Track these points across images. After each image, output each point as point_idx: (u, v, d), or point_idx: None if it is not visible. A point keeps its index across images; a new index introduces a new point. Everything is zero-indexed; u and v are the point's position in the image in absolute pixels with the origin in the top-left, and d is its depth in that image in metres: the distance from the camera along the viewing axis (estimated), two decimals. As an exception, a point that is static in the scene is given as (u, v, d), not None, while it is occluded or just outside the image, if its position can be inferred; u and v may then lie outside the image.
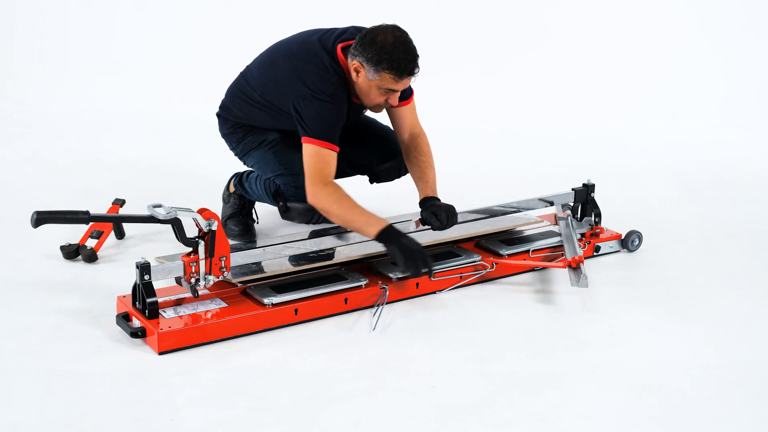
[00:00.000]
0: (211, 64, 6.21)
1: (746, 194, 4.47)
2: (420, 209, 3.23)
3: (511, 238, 3.45)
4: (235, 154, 3.55)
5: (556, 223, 3.64)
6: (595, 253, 3.50)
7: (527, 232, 3.53)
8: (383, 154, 3.54)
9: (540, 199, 3.61)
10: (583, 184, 3.57)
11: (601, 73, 6.13)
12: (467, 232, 3.38)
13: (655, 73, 6.11)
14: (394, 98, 3.13)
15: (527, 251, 3.34)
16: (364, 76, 3.08)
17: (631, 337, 2.86)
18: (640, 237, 3.57)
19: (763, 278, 3.38)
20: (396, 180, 3.63)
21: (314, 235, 3.32)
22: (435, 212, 3.14)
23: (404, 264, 2.94)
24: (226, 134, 3.54)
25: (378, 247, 3.16)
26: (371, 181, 3.65)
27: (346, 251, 3.18)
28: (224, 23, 6.34)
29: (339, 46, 3.15)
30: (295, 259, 3.11)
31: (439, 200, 3.22)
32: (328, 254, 3.16)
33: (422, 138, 3.37)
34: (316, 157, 3.07)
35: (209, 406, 2.39)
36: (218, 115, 3.54)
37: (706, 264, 3.50)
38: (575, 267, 3.13)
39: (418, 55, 3.05)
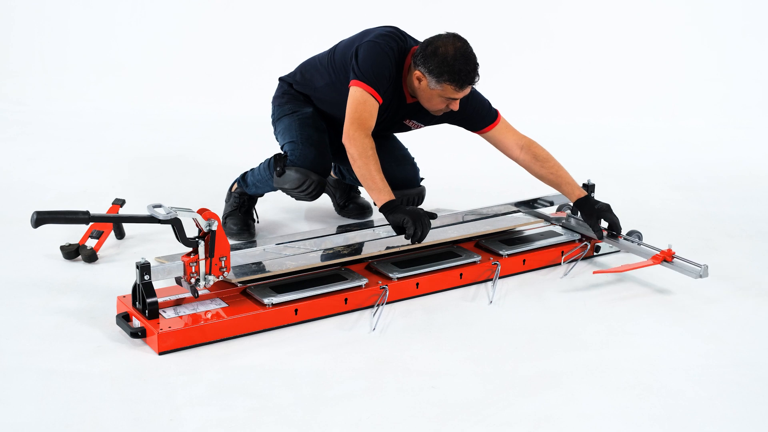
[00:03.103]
0: (211, 64, 6.21)
1: (746, 194, 4.47)
2: (579, 212, 3.37)
3: (511, 238, 3.45)
4: (271, 121, 3.62)
5: (553, 223, 3.63)
6: (595, 253, 3.50)
7: (527, 232, 3.54)
8: (406, 180, 3.61)
9: (540, 199, 3.60)
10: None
11: (601, 73, 6.13)
12: (467, 232, 3.38)
13: (655, 73, 6.11)
14: (455, 104, 3.24)
15: (528, 251, 3.35)
16: (426, 85, 3.18)
17: (631, 337, 2.86)
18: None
19: (763, 278, 3.37)
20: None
21: (342, 230, 3.38)
22: (611, 220, 3.34)
23: (413, 224, 3.03)
24: (274, 97, 3.64)
25: (378, 247, 3.17)
26: None
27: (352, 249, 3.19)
28: (224, 23, 6.33)
29: (413, 48, 3.25)
30: (327, 256, 3.12)
31: (593, 197, 3.38)
32: (356, 249, 3.20)
33: (534, 145, 3.43)
34: (364, 104, 3.16)
35: (209, 406, 2.39)
36: (279, 78, 3.64)
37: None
38: (670, 261, 3.17)
39: (478, 64, 3.18)
